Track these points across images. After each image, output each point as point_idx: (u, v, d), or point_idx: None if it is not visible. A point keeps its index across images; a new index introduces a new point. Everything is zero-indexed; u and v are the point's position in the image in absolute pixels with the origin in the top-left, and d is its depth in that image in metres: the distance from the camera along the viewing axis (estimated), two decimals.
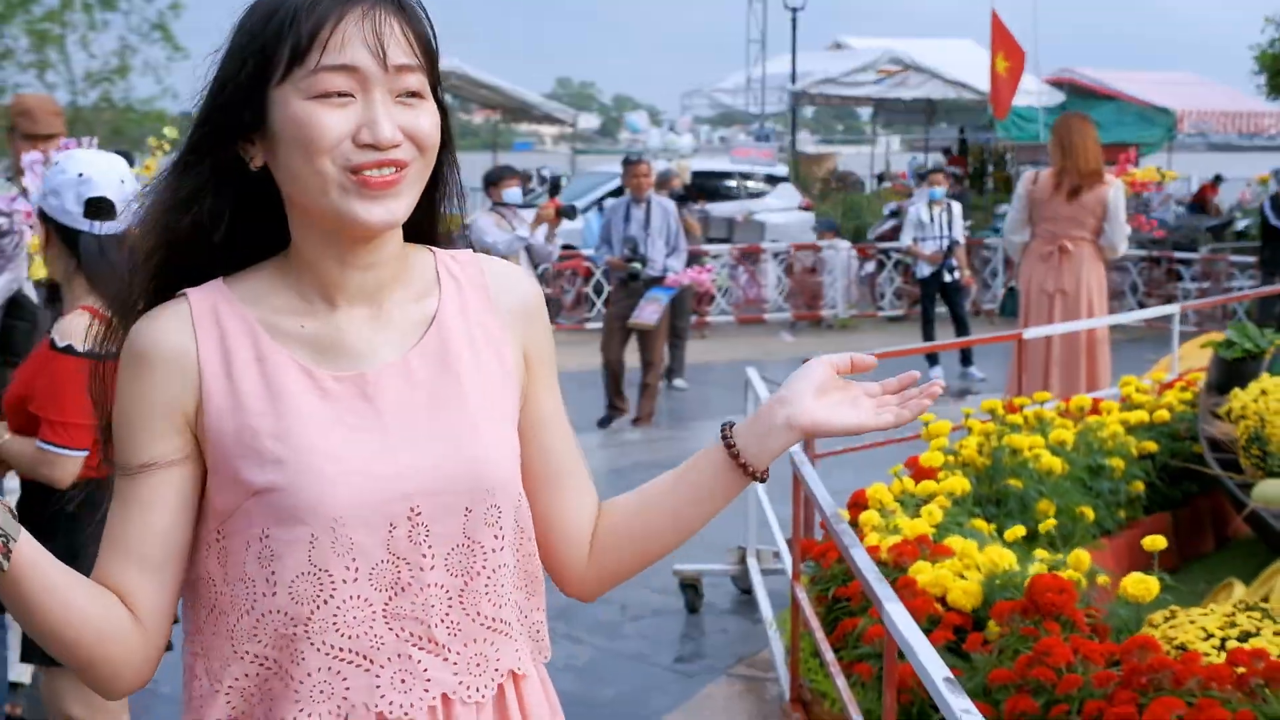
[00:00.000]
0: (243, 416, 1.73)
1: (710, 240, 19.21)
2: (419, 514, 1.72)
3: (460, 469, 1.74)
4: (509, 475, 1.79)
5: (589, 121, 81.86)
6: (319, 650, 1.71)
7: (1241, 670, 3.55)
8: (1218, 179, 24.97)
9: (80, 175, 3.70)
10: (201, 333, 1.76)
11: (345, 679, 1.72)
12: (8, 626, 4.47)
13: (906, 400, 1.83)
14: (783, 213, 21.32)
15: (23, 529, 1.61)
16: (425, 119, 1.75)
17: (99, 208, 3.68)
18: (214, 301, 1.78)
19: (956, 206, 14.50)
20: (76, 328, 3.59)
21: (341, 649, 1.71)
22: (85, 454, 3.66)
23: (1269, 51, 22.68)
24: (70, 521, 3.53)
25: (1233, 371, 6.89)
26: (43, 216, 3.75)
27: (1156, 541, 4.30)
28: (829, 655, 4.42)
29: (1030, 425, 6.13)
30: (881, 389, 1.84)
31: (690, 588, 6.51)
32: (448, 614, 1.74)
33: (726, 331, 17.35)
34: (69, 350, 3.59)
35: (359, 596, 1.71)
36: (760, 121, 30.87)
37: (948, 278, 14.14)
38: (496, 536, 1.77)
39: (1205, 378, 7.24)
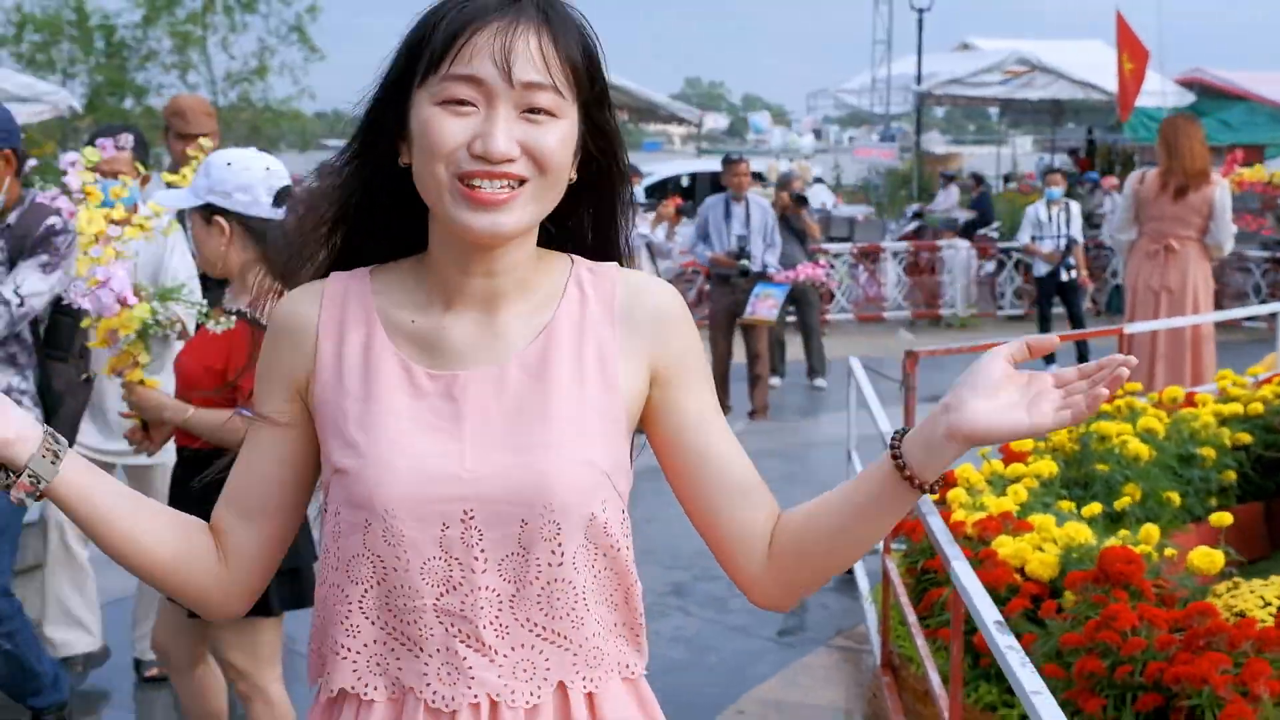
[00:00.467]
0: (339, 398, 1.81)
1: (831, 239, 19.45)
2: (472, 517, 1.74)
3: (520, 482, 1.74)
4: (577, 492, 1.76)
5: (717, 121, 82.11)
6: (375, 625, 1.79)
7: None
8: None
9: (267, 169, 4.08)
10: (326, 312, 1.85)
11: (399, 659, 1.79)
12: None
13: (1093, 388, 1.68)
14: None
15: (66, 466, 1.78)
16: (550, 137, 1.75)
17: (283, 196, 4.07)
18: (348, 286, 1.87)
19: (1075, 206, 14.66)
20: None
21: (394, 629, 1.78)
22: None
23: None
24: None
25: None
26: (217, 211, 4.09)
27: (1223, 518, 4.56)
28: (913, 620, 4.73)
29: (1122, 415, 6.37)
30: (1065, 378, 1.71)
31: None
32: (497, 617, 1.76)
33: (846, 329, 17.58)
34: (254, 322, 3.99)
35: (409, 586, 1.76)
36: (886, 122, 30.97)
37: (1064, 277, 14.32)
38: (554, 552, 1.76)
39: None
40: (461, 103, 1.73)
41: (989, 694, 4.49)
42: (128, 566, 1.88)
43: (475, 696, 1.76)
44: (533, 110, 1.74)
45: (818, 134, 35.95)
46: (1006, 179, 29.74)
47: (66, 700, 4.94)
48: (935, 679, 4.34)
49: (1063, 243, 14.36)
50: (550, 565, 1.75)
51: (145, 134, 6.77)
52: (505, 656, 1.76)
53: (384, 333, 1.83)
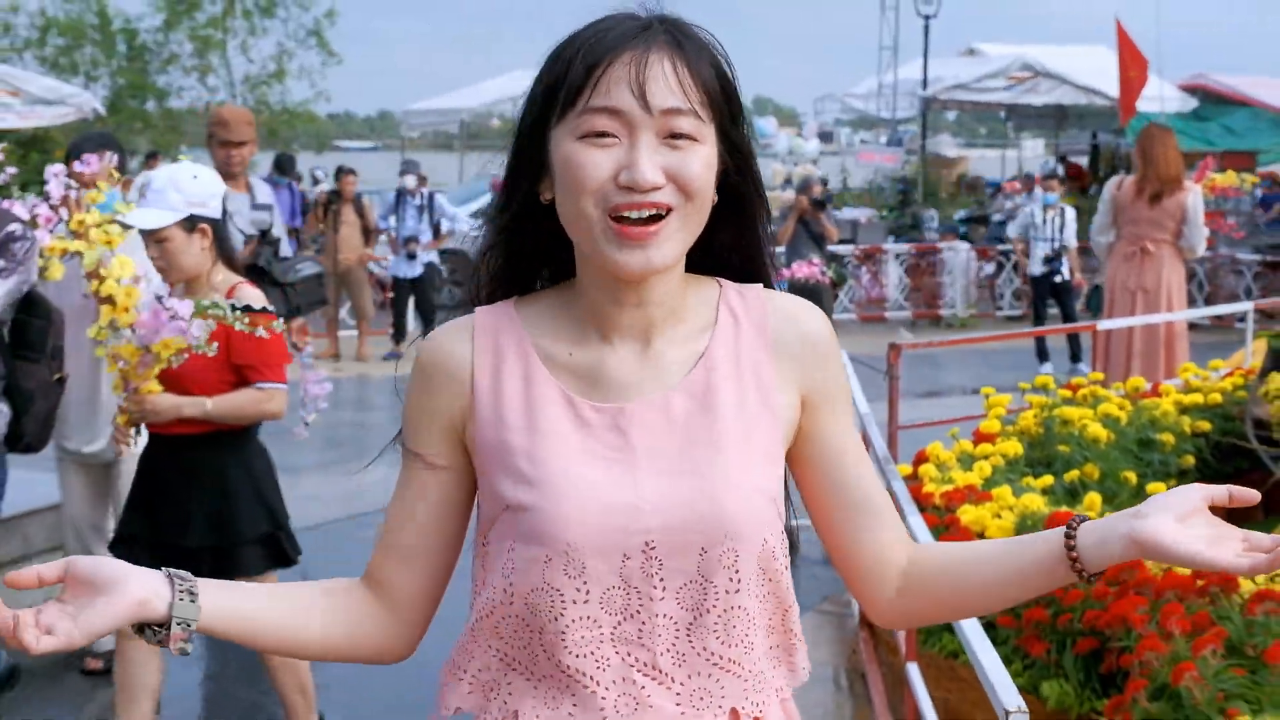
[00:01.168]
0: (503, 433, 1.80)
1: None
2: (653, 548, 1.74)
3: (700, 511, 1.75)
4: (753, 519, 1.77)
5: None
6: (551, 661, 1.77)
7: (1202, 582, 4.38)
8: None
9: (196, 177, 4.69)
10: (479, 349, 1.84)
11: (573, 695, 1.77)
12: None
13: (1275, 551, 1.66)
14: None
15: (203, 599, 1.74)
16: (694, 162, 1.75)
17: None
18: (497, 321, 1.86)
19: (1070, 211, 15.25)
20: (256, 294, 4.70)
21: (569, 666, 1.76)
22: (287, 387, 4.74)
23: None
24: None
25: None
26: (201, 221, 4.64)
27: (1158, 487, 5.13)
28: None
29: (1086, 402, 6.95)
30: (1253, 542, 1.68)
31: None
32: (674, 644, 1.77)
33: (849, 329, 18.12)
34: (265, 310, 4.63)
35: (588, 618, 1.75)
36: (893, 126, 31.48)
37: (1058, 279, 14.91)
38: (731, 579, 1.76)
39: (1261, 365, 7.97)
40: (603, 135, 1.73)
41: (951, 643, 5.06)
42: (297, 657, 1.97)
43: None
44: (674, 136, 1.74)
45: (826, 137, 36.45)
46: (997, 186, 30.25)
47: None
48: (901, 632, 4.91)
49: (1056, 246, 14.95)
50: (727, 593, 1.77)
51: (163, 134, 7.24)
52: (682, 684, 1.77)
53: (542, 366, 1.83)
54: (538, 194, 1.83)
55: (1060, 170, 25.34)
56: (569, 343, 1.84)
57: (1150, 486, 6.27)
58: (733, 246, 1.91)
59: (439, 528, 1.88)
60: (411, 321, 15.71)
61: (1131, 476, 6.41)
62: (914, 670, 4.66)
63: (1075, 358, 14.58)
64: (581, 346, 1.84)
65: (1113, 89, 23.78)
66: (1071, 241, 15.03)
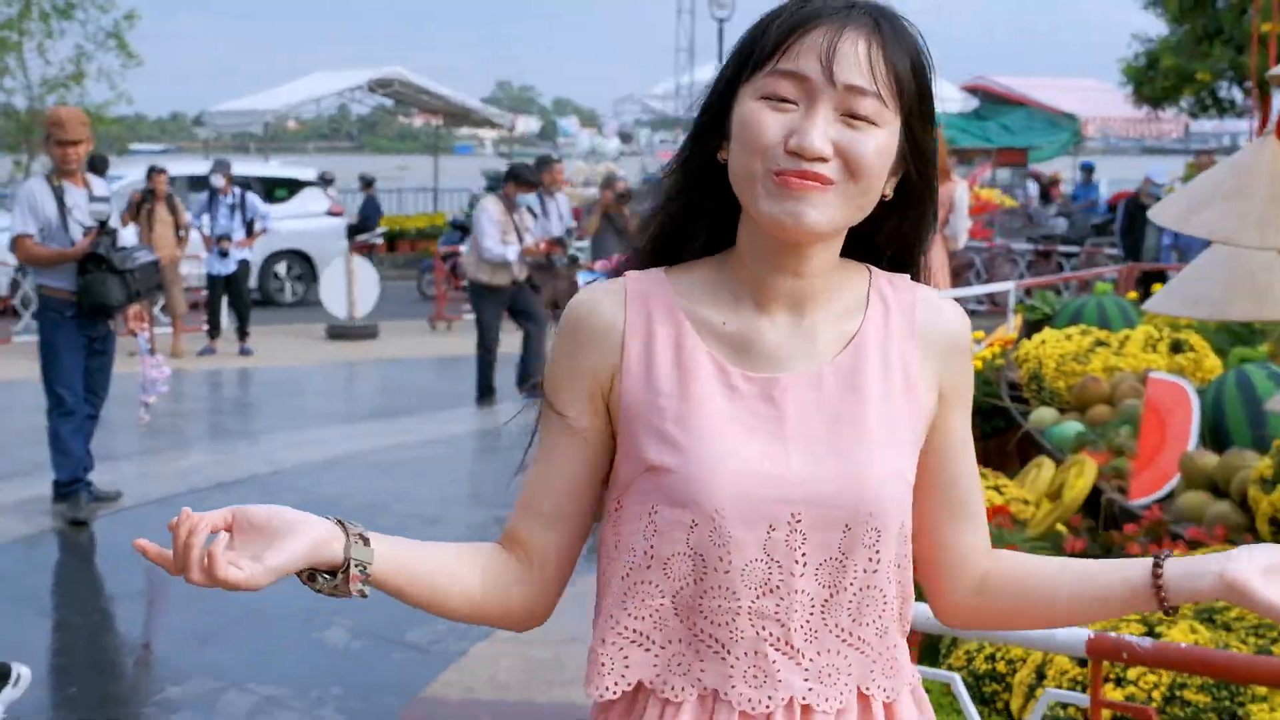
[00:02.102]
0: (652, 396, 1.79)
1: None
2: (799, 521, 1.74)
3: (847, 487, 1.75)
4: (895, 502, 1.78)
5: (529, 124, 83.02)
6: (685, 627, 1.78)
7: None
8: (1053, 181, 26.96)
9: None
10: (631, 311, 1.83)
11: (703, 661, 1.78)
12: None
13: None
14: (305, 219, 20.99)
15: (375, 548, 1.75)
16: (867, 144, 1.72)
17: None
18: (648, 287, 1.85)
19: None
20: None
21: (702, 631, 1.77)
22: None
23: (1133, 65, 24.67)
24: None
25: (1033, 329, 8.56)
26: None
27: None
28: None
29: None
30: None
31: None
32: (808, 621, 1.77)
33: None
34: None
35: (726, 588, 1.75)
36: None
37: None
38: (870, 559, 1.77)
39: (1015, 337, 8.91)
40: (783, 99, 1.73)
41: None
42: (442, 614, 1.88)
43: (783, 699, 1.77)
44: (853, 115, 1.72)
45: (626, 138, 37.35)
46: None
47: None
48: None
49: None
50: (866, 572, 1.78)
51: None
52: (811, 660, 1.77)
53: (693, 332, 1.82)
54: (715, 156, 1.83)
55: None
56: (722, 312, 1.83)
57: None
58: (892, 238, 1.91)
59: (578, 490, 1.87)
60: (225, 318, 16.06)
61: None
62: None
63: None
64: (736, 315, 1.83)
65: None
66: None
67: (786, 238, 1.76)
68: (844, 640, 1.79)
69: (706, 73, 31.36)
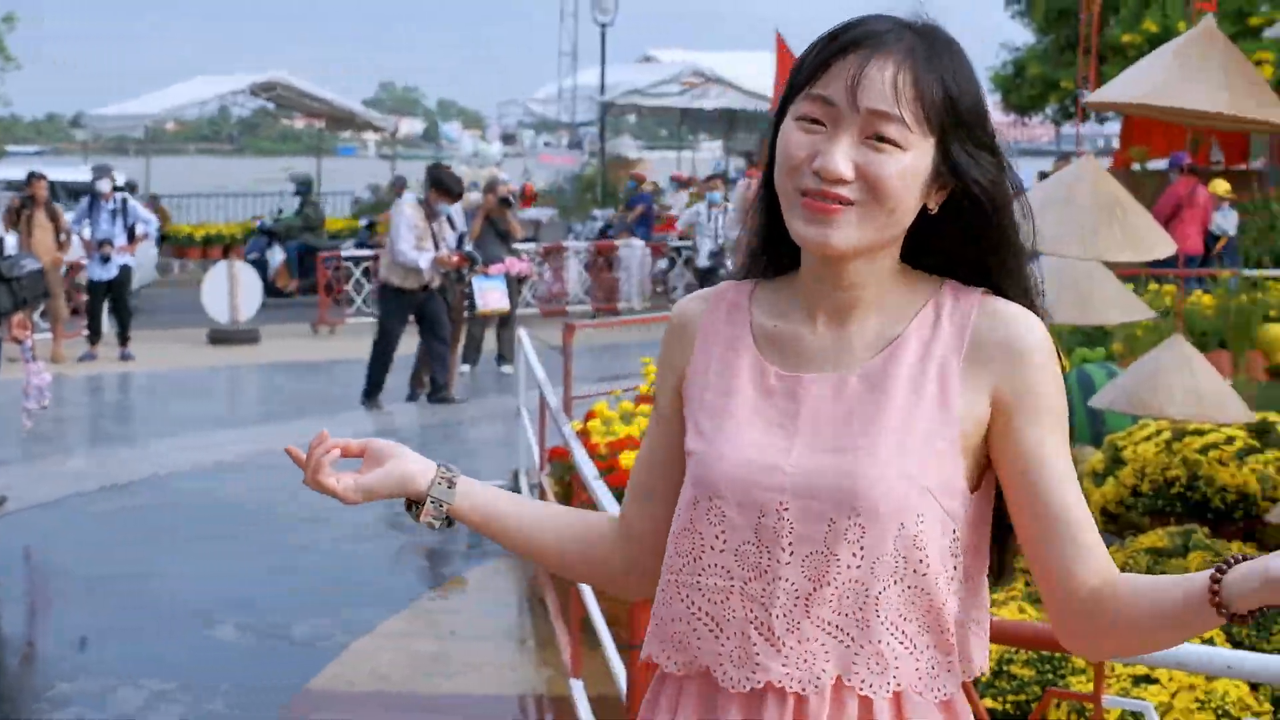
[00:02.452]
0: (700, 389, 1.95)
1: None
2: (786, 510, 1.82)
3: (833, 481, 1.80)
4: (890, 504, 1.79)
5: (413, 126, 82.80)
6: (684, 603, 1.89)
7: None
8: None
9: None
10: (708, 314, 1.99)
11: (699, 638, 1.87)
12: None
13: None
14: None
15: (461, 489, 2.00)
16: (890, 166, 1.79)
17: None
18: (732, 293, 2.00)
19: (733, 210, 16.62)
20: None
21: (700, 608, 1.87)
22: None
23: (1001, 73, 25.39)
24: None
25: None
26: None
27: None
28: None
29: None
30: None
31: None
32: (790, 611, 1.82)
33: (531, 322, 19.06)
34: None
35: (722, 566, 1.85)
36: (573, 129, 32.69)
37: (723, 272, 16.27)
38: (855, 555, 1.80)
39: None
40: (814, 121, 1.82)
41: None
42: (536, 560, 2.12)
43: (759, 682, 1.83)
44: (878, 138, 1.79)
45: (509, 140, 37.59)
46: (685, 183, 31.75)
47: None
48: None
49: (720, 242, 16.32)
50: (849, 568, 1.80)
51: None
52: (791, 649, 1.82)
53: (750, 334, 1.95)
54: None
55: (728, 170, 26.87)
56: (778, 316, 1.95)
57: None
58: (954, 254, 1.92)
59: (666, 471, 2.00)
60: (106, 323, 16.04)
61: None
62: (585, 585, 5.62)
63: None
64: (787, 320, 1.94)
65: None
66: (733, 236, 16.39)
67: (818, 255, 1.86)
68: (826, 631, 1.82)
69: (590, 77, 31.79)
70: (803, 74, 1.83)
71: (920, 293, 1.91)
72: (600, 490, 4.81)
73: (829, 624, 1.81)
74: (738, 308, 1.97)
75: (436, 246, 12.12)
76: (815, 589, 1.81)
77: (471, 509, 2.01)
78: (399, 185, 22.16)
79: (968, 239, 1.90)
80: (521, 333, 8.51)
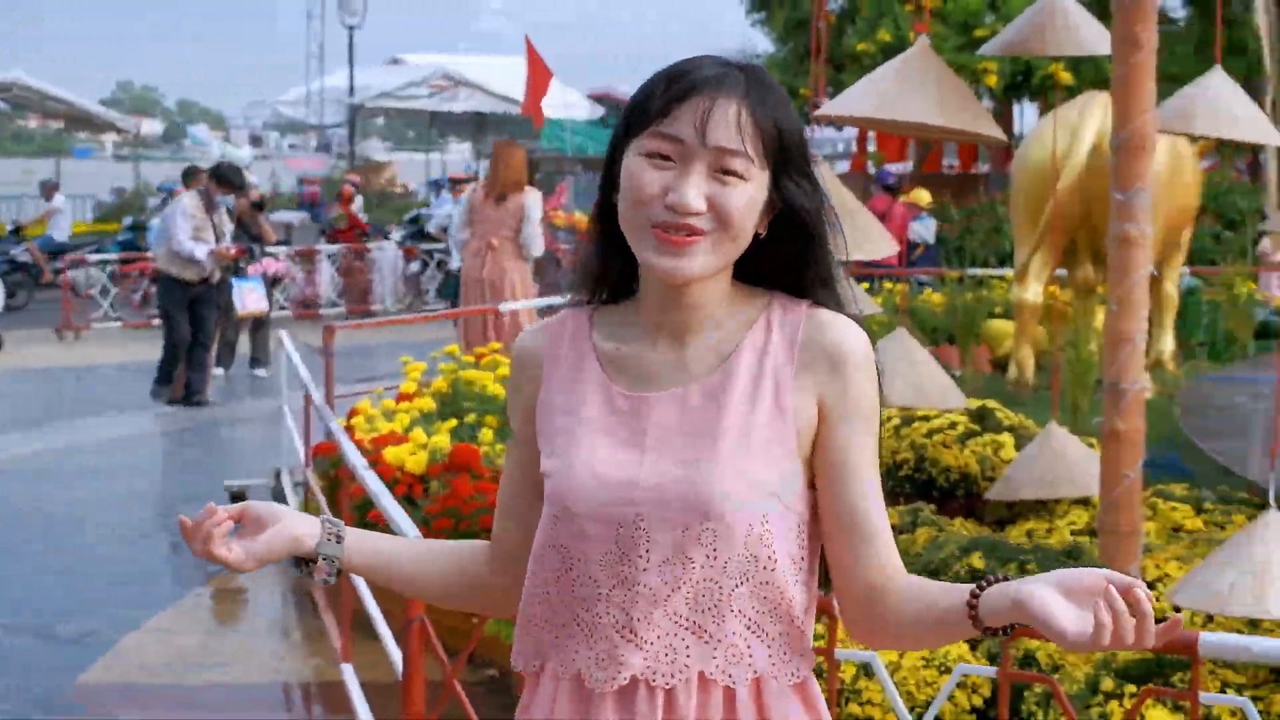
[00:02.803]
0: (551, 414, 2.04)
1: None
2: (642, 521, 1.93)
3: (683, 491, 1.92)
4: (734, 505, 1.92)
5: (152, 127, 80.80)
6: (557, 612, 2.00)
7: None
8: None
9: None
10: (550, 345, 2.08)
11: (576, 643, 1.98)
12: None
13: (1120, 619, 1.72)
14: None
15: (348, 543, 2.07)
16: (736, 198, 1.91)
17: None
18: (572, 321, 2.09)
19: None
20: None
21: (573, 616, 1.98)
22: None
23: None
24: None
25: None
26: None
27: None
28: (328, 511, 6.52)
29: (485, 366, 8.38)
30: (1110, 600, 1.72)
31: (239, 498, 8.49)
32: (650, 613, 1.93)
33: (285, 325, 19.00)
34: None
35: (590, 576, 1.96)
36: (322, 131, 32.51)
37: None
38: (709, 557, 1.92)
39: None
40: (664, 157, 1.93)
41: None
42: (422, 599, 2.32)
43: (625, 679, 1.94)
44: (725, 171, 1.92)
45: (256, 142, 37.20)
46: (437, 185, 31.83)
47: None
48: None
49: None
50: (702, 567, 1.93)
51: None
52: (651, 644, 1.94)
53: (595, 358, 2.04)
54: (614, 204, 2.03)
55: (479, 172, 27.06)
56: (620, 340, 2.04)
57: None
58: (778, 272, 2.04)
59: (524, 491, 2.10)
60: None
61: None
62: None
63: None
64: (629, 342, 2.03)
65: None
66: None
67: (669, 284, 1.96)
68: (685, 627, 1.94)
69: (338, 80, 31.68)
70: (647, 115, 1.93)
71: (752, 307, 2.03)
72: (370, 479, 5.02)
73: (687, 620, 1.93)
74: (580, 335, 2.06)
75: (218, 239, 12.14)
76: (672, 591, 1.92)
77: (360, 561, 2.09)
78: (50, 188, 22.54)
79: (790, 257, 2.02)
80: (283, 334, 8.66)
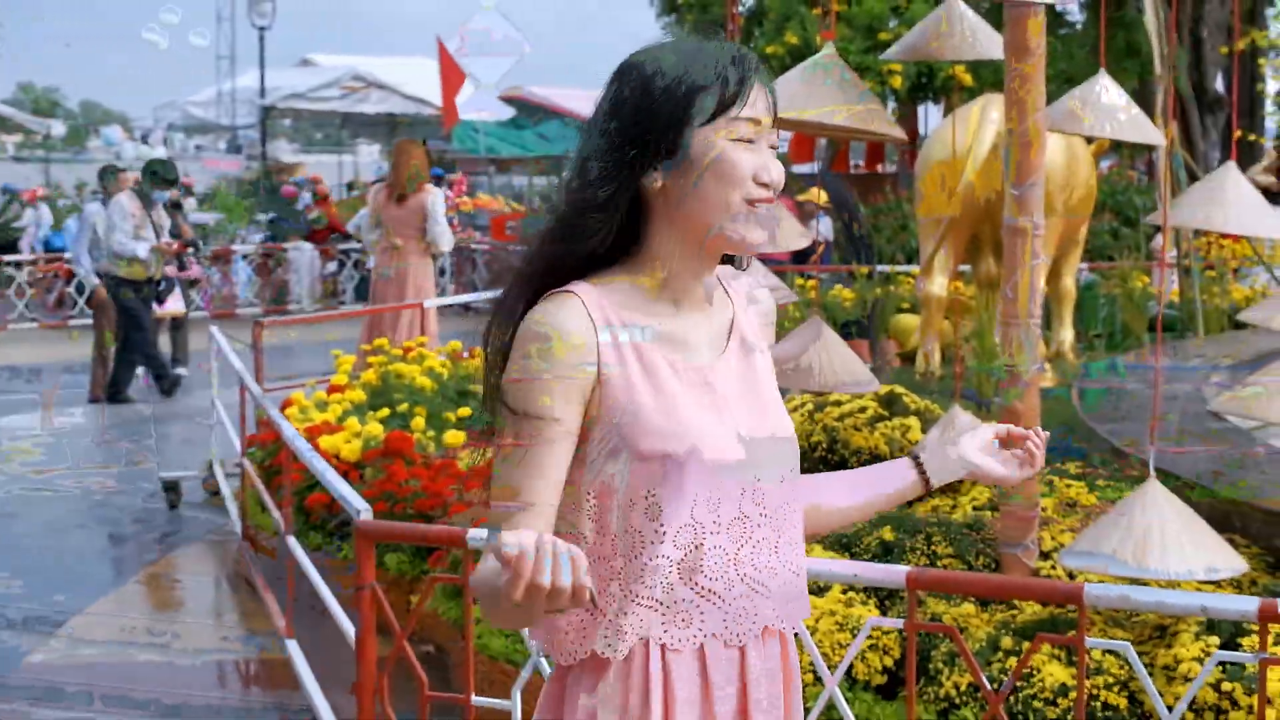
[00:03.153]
0: (633, 394, 2.02)
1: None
2: (759, 480, 2.07)
3: (781, 445, 2.11)
4: (798, 449, 2.14)
5: (56, 128, 79.68)
6: (688, 586, 2.04)
7: None
8: None
9: None
10: (598, 324, 2.03)
11: (703, 613, 2.04)
12: None
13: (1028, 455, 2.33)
14: None
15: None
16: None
17: None
18: (597, 299, 2.05)
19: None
20: None
21: (704, 588, 2.04)
22: None
23: None
24: None
25: None
26: None
27: (457, 437, 6.89)
28: (266, 496, 6.77)
29: (413, 359, 8.65)
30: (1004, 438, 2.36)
31: (172, 489, 8.72)
32: (769, 562, 2.08)
33: (202, 325, 19.06)
34: None
35: (720, 547, 2.04)
36: (232, 132, 32.45)
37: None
38: (791, 502, 2.13)
39: None
40: (750, 140, 2.04)
41: (315, 540, 6.57)
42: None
43: (758, 630, 2.09)
44: (771, 146, 2.08)
45: (164, 143, 37.03)
46: (350, 187, 31.84)
47: None
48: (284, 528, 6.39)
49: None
50: (795, 513, 2.14)
51: None
52: (775, 591, 2.09)
53: (641, 335, 2.07)
54: (639, 182, 2.04)
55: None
56: (650, 315, 2.07)
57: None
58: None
59: (560, 483, 2.03)
60: None
61: (452, 416, 8.15)
62: (292, 541, 5.99)
63: None
64: (659, 318, 2.08)
65: (439, 99, 25.91)
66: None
67: (743, 252, 2.13)
68: (794, 573, 2.12)
69: (249, 80, 31.58)
70: (717, 98, 2.01)
71: (714, 276, 2.17)
72: (315, 460, 5.13)
73: (796, 566, 2.12)
74: (615, 313, 2.04)
75: (158, 235, 12.27)
76: (780, 536, 2.10)
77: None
78: None
79: None
80: (214, 329, 8.89)
